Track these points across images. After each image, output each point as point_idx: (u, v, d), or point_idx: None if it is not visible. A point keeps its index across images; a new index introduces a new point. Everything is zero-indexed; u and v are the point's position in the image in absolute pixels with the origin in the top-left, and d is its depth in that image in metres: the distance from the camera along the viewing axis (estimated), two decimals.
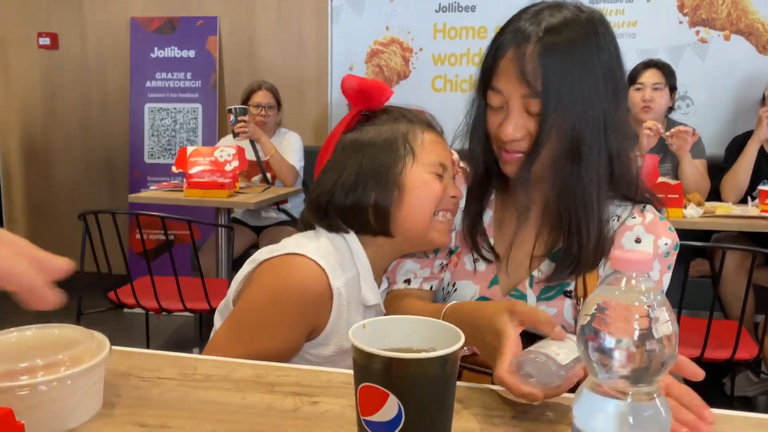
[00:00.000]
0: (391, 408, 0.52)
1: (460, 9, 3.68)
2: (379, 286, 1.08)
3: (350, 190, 1.01)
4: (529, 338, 1.00)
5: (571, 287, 1.02)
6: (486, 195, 1.09)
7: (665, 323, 0.48)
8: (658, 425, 0.49)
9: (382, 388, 0.52)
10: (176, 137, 4.00)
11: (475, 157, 1.04)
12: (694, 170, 2.79)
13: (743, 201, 2.80)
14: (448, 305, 0.93)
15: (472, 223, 1.07)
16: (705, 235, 2.89)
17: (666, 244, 1.01)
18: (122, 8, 4.07)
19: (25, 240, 0.68)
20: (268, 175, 3.33)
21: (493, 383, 0.77)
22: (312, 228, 1.06)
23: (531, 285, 1.04)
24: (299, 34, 3.91)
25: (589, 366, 0.50)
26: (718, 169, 2.95)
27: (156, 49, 4.00)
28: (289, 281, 0.95)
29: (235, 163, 2.86)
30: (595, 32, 0.93)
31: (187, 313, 2.70)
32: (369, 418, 0.53)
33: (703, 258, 2.91)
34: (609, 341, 0.48)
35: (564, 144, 0.94)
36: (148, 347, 2.79)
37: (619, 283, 0.50)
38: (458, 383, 0.69)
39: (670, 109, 3.04)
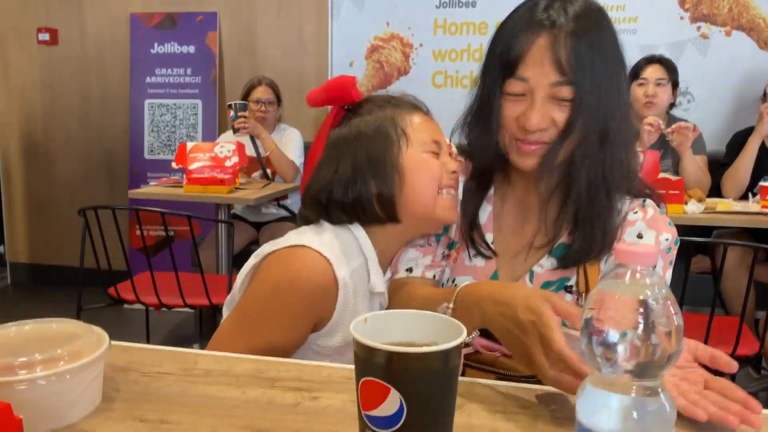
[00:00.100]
0: (392, 402, 0.51)
1: (461, 5, 3.67)
2: (384, 275, 1.08)
3: (349, 184, 1.01)
4: None
5: (572, 282, 1.02)
6: (486, 190, 1.08)
7: (670, 317, 0.48)
8: (662, 420, 0.48)
9: (383, 382, 0.51)
10: (176, 133, 3.99)
11: (480, 151, 1.03)
12: (695, 166, 2.78)
13: (744, 197, 2.79)
14: (461, 285, 0.91)
15: (470, 220, 1.06)
16: (706, 231, 2.88)
17: (667, 239, 1.01)
18: (122, 3, 4.05)
19: None
20: (268, 171, 3.33)
21: (532, 360, 0.75)
22: (315, 222, 1.06)
23: (531, 280, 1.03)
24: (299, 30, 3.89)
25: (592, 360, 0.50)
26: (719, 165, 2.94)
27: (156, 44, 3.99)
28: (293, 273, 0.95)
29: (235, 159, 2.85)
30: (608, 21, 0.95)
31: (187, 309, 2.69)
32: (370, 413, 0.53)
33: (704, 254, 2.90)
34: (613, 335, 0.48)
35: (588, 133, 0.94)
36: (148, 343, 2.79)
37: (623, 277, 0.49)
38: (460, 378, 0.69)
39: (671, 105, 3.03)
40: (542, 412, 0.72)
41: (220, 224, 2.85)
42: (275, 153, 3.21)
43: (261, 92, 3.36)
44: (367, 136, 1.02)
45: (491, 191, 1.09)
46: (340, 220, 1.03)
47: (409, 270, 1.08)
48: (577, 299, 1.01)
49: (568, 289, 1.02)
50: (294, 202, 3.37)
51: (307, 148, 3.44)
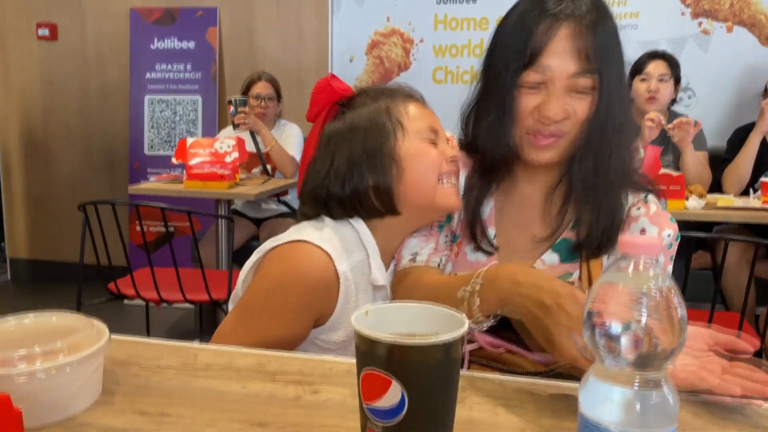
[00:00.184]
0: (394, 394, 0.51)
1: (461, 0, 3.66)
2: (389, 267, 1.08)
3: (345, 178, 1.00)
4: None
5: (575, 277, 1.02)
6: (489, 184, 1.07)
7: (673, 308, 0.47)
8: (665, 413, 0.48)
9: (385, 374, 0.51)
10: (176, 129, 3.98)
11: (491, 145, 1.00)
12: (696, 162, 2.78)
13: (745, 193, 2.79)
14: (485, 268, 0.89)
15: (473, 214, 1.06)
16: (706, 227, 2.88)
17: (669, 235, 1.01)
18: None
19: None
20: (268, 166, 3.32)
21: (551, 340, 0.76)
22: (314, 218, 1.05)
23: None
24: (299, 25, 3.89)
25: (595, 352, 0.50)
26: (719, 161, 2.94)
27: (156, 40, 3.98)
28: (294, 268, 0.95)
29: (235, 155, 2.85)
30: (611, 12, 0.96)
31: (187, 305, 2.69)
32: (372, 405, 0.53)
33: (705, 250, 2.90)
34: (615, 327, 0.48)
35: (601, 125, 0.94)
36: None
37: (626, 268, 0.49)
38: (462, 372, 0.69)
39: (673, 101, 3.03)
40: (544, 405, 0.72)
41: (220, 220, 2.85)
42: (275, 149, 3.21)
43: (261, 88, 3.36)
44: (362, 129, 1.01)
45: (494, 186, 1.08)
46: (339, 214, 1.02)
47: (414, 257, 1.06)
48: None
49: (570, 284, 1.02)
50: (294, 198, 3.37)
51: None
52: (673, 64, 2.92)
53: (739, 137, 2.93)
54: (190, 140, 2.87)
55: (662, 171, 2.49)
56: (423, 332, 0.57)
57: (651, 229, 1.01)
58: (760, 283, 2.66)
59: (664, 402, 0.48)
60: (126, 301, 3.15)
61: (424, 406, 0.52)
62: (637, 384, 0.48)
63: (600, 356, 0.49)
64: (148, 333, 2.87)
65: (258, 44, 3.96)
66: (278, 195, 3.30)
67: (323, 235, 0.98)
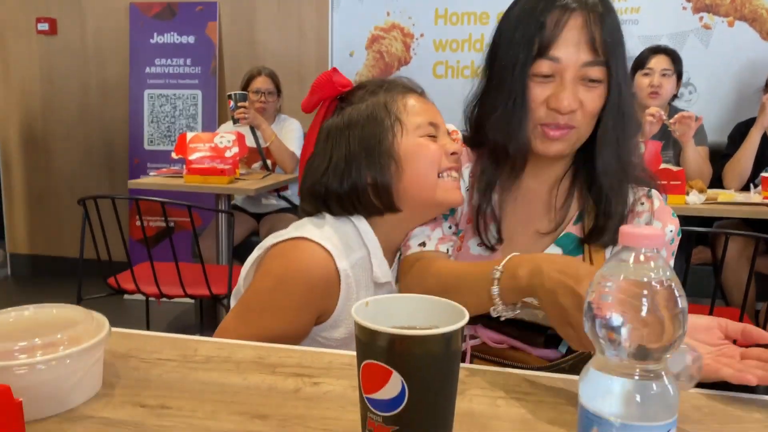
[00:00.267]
0: (394, 385, 0.51)
1: None
2: (391, 265, 1.07)
3: (344, 175, 0.99)
4: (511, 324, 1.00)
5: None
6: (494, 179, 1.04)
7: (674, 299, 0.47)
8: (665, 404, 0.48)
9: (385, 365, 0.51)
10: (176, 123, 3.98)
11: (502, 137, 0.98)
12: (697, 157, 2.77)
13: (745, 188, 2.79)
14: (507, 258, 0.86)
15: (477, 209, 1.04)
16: (707, 222, 2.88)
17: (671, 231, 1.02)
18: None
19: None
20: (268, 161, 3.32)
21: (578, 328, 0.73)
22: (316, 215, 1.05)
23: None
24: (299, 20, 3.88)
25: (595, 343, 0.50)
26: (720, 156, 2.94)
27: (155, 34, 3.97)
28: (295, 265, 0.95)
29: (235, 150, 2.84)
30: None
31: (187, 300, 2.69)
32: (372, 396, 0.53)
33: (705, 245, 2.90)
34: (616, 318, 0.48)
35: (610, 116, 0.95)
36: None
37: (627, 259, 0.49)
38: (462, 365, 0.69)
39: (674, 96, 3.02)
40: (544, 398, 0.72)
41: (220, 214, 2.85)
42: (275, 144, 3.21)
43: (261, 82, 3.35)
44: (360, 125, 1.00)
45: (498, 180, 1.07)
46: (338, 211, 1.01)
47: (422, 244, 1.04)
48: None
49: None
50: (294, 193, 3.37)
51: None
52: (675, 60, 2.92)
53: (739, 132, 2.93)
54: (190, 135, 2.87)
55: (663, 166, 2.49)
56: (423, 324, 0.57)
57: (655, 224, 1.02)
58: (760, 279, 2.66)
59: (665, 393, 0.48)
60: (126, 296, 3.15)
61: (424, 398, 0.52)
62: (637, 375, 0.48)
63: (600, 347, 0.49)
64: (148, 328, 2.87)
65: (258, 39, 3.95)
66: (278, 190, 3.30)
67: (324, 233, 0.97)
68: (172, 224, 3.71)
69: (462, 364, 0.69)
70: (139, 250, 3.49)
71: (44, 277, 4.27)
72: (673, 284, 0.48)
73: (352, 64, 3.80)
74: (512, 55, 0.95)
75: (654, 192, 1.05)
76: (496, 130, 0.98)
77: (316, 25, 3.85)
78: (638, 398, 0.48)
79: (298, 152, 3.31)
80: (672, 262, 1.03)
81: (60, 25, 4.15)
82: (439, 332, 0.52)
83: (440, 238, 1.05)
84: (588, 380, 0.50)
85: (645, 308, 0.47)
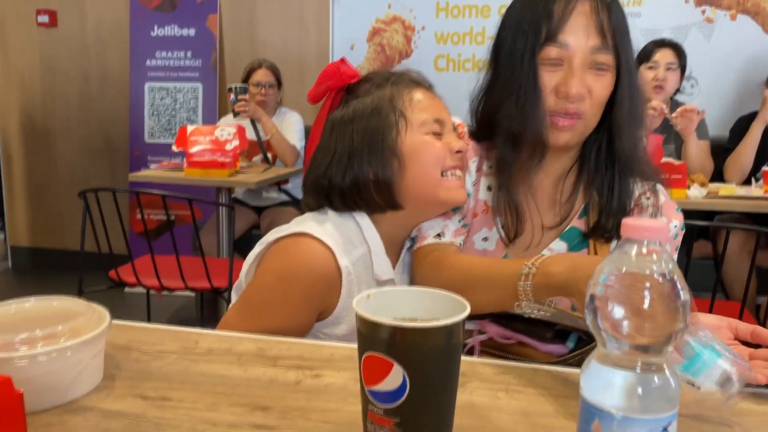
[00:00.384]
0: (395, 377, 0.51)
1: None
2: (397, 260, 1.06)
3: (346, 169, 0.98)
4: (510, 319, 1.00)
5: None
6: (513, 171, 1.02)
7: (676, 292, 0.47)
8: (667, 396, 0.48)
9: (386, 357, 0.51)
10: (176, 116, 3.97)
11: (517, 126, 0.97)
12: (698, 150, 2.77)
13: (747, 182, 2.78)
14: (542, 256, 0.85)
15: (499, 201, 1.03)
16: (708, 216, 2.88)
17: (675, 226, 1.02)
18: None
19: None
20: (269, 154, 3.31)
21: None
22: (318, 209, 1.04)
23: None
24: (300, 12, 3.86)
25: (597, 336, 0.49)
26: (722, 150, 2.93)
27: (156, 27, 3.96)
28: (295, 261, 0.95)
29: (236, 143, 2.84)
30: None
31: (188, 293, 2.70)
32: (373, 388, 0.53)
33: (706, 239, 2.90)
34: (618, 310, 0.47)
35: (622, 105, 0.95)
36: None
37: (630, 252, 0.49)
38: (463, 358, 0.69)
39: (676, 90, 3.02)
40: (545, 390, 0.72)
41: (221, 208, 2.85)
42: (276, 137, 3.20)
43: (261, 75, 3.35)
44: (365, 118, 0.98)
45: (505, 174, 1.06)
46: (340, 207, 1.01)
47: (439, 236, 1.03)
48: None
49: None
50: (295, 186, 3.37)
51: (307, 131, 3.42)
52: (680, 54, 2.91)
53: (741, 126, 2.92)
54: (190, 128, 2.86)
55: (664, 160, 2.49)
56: (425, 316, 0.57)
57: (660, 219, 1.02)
58: (760, 273, 2.66)
59: (666, 386, 0.48)
60: (127, 289, 3.15)
61: (425, 390, 0.52)
62: (638, 368, 0.48)
63: (602, 340, 0.49)
64: (149, 321, 2.87)
65: (258, 31, 3.94)
66: (279, 183, 3.29)
67: (325, 229, 0.97)
68: (172, 217, 3.71)
69: (463, 357, 0.69)
70: (140, 243, 3.49)
71: (45, 270, 4.28)
72: (675, 277, 0.48)
73: (353, 57, 3.79)
74: (520, 43, 0.94)
75: (659, 186, 1.05)
76: (510, 119, 0.97)
77: (316, 17, 3.84)
78: (640, 391, 0.48)
79: (298, 145, 3.31)
80: (675, 257, 1.03)
81: (60, 17, 4.14)
82: (441, 325, 0.51)
83: (455, 230, 1.04)
84: (589, 373, 0.50)
85: (647, 301, 0.47)
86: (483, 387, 0.72)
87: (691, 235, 1.91)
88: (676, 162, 2.48)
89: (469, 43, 3.66)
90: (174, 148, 2.90)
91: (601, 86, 0.93)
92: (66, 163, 4.27)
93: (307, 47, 3.88)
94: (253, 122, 3.24)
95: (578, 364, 0.93)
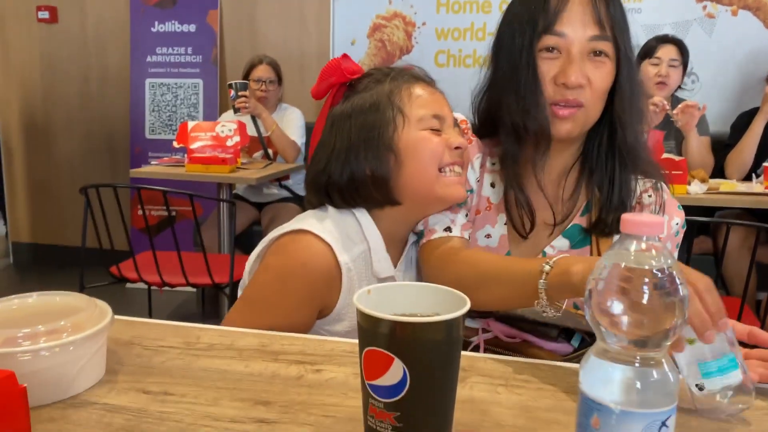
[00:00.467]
0: (395, 372, 0.51)
1: None
2: (399, 256, 1.06)
3: (344, 165, 0.98)
4: (510, 321, 1.00)
5: None
6: (520, 167, 1.02)
7: (675, 287, 0.47)
8: (665, 390, 0.48)
9: (387, 352, 0.51)
10: (177, 112, 3.97)
11: (518, 118, 0.96)
12: (699, 146, 2.77)
13: (747, 178, 2.78)
14: (558, 256, 0.84)
15: (510, 197, 1.03)
16: (708, 212, 2.88)
17: (677, 223, 1.02)
18: None
19: None
20: (270, 150, 3.32)
21: None
22: (319, 206, 1.04)
23: None
24: (301, 8, 3.86)
25: (596, 331, 0.50)
26: (723, 146, 2.93)
27: (156, 23, 3.96)
28: (294, 259, 0.95)
29: (237, 139, 2.84)
30: None
31: (189, 289, 2.70)
32: (374, 382, 0.53)
33: (706, 235, 2.90)
34: (617, 305, 0.48)
35: (623, 95, 0.95)
36: None
37: (629, 247, 0.49)
38: (464, 353, 0.69)
39: (677, 86, 3.01)
40: (544, 385, 0.72)
41: (221, 203, 2.85)
42: (276, 133, 3.20)
43: (262, 71, 3.34)
44: (363, 113, 0.98)
45: (508, 171, 1.04)
46: (339, 203, 1.00)
47: (448, 229, 1.02)
48: None
49: None
50: (295, 183, 3.37)
51: (308, 127, 3.42)
52: (683, 50, 2.91)
53: (742, 122, 2.92)
54: (191, 124, 2.86)
55: (665, 156, 2.49)
56: (425, 311, 0.57)
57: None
58: (761, 269, 2.66)
59: (665, 380, 0.48)
60: (128, 285, 3.16)
61: (426, 384, 0.52)
62: (637, 362, 0.48)
63: (601, 335, 0.49)
64: (150, 316, 2.88)
65: (259, 27, 3.93)
66: (280, 179, 3.29)
67: (325, 226, 0.97)
68: (173, 213, 3.70)
69: (463, 352, 0.70)
70: (141, 239, 3.50)
71: (46, 266, 4.28)
72: (674, 272, 0.48)
73: (353, 53, 3.77)
74: (518, 37, 0.95)
75: (661, 184, 1.05)
76: (511, 113, 0.97)
77: (317, 13, 3.83)
78: (638, 385, 0.48)
79: (299, 141, 3.31)
80: (675, 254, 1.03)
81: (61, 14, 4.14)
82: (441, 319, 0.52)
83: (463, 225, 1.04)
84: (589, 367, 0.51)
85: (646, 296, 0.47)
86: (483, 382, 0.73)
87: (691, 231, 1.91)
88: (677, 158, 2.48)
89: (469, 38, 3.65)
90: (175, 144, 2.90)
91: (601, 75, 0.93)
92: (67, 159, 4.27)
93: (307, 43, 3.87)
94: (253, 118, 3.24)
95: None
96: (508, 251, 1.04)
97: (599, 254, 1.00)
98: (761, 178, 2.55)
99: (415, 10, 3.71)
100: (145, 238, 2.51)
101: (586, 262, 0.78)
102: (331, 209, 1.01)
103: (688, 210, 1.11)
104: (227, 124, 2.86)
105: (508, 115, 0.98)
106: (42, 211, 4.37)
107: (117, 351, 0.78)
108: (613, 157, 0.99)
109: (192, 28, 3.93)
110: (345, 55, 1.05)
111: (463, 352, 0.64)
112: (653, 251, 0.48)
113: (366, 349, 0.53)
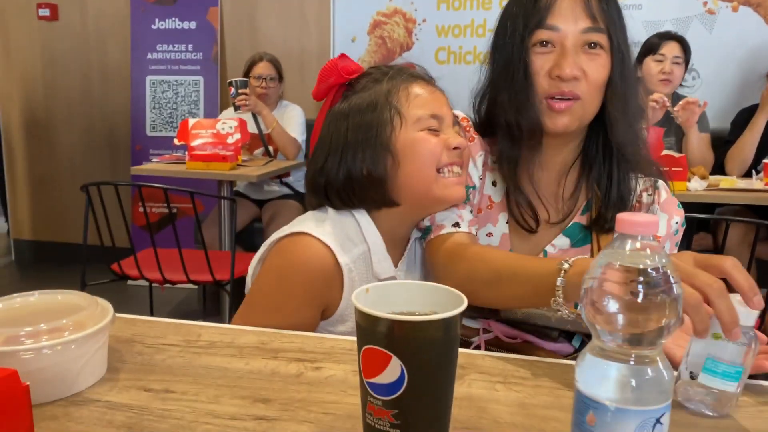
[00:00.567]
0: (393, 370, 0.52)
1: None
2: (400, 256, 1.06)
3: (340, 165, 0.97)
4: (514, 326, 1.00)
5: None
6: (517, 164, 1.02)
7: (669, 286, 0.48)
8: (660, 388, 0.49)
9: (384, 350, 0.52)
10: (178, 110, 3.97)
11: (512, 115, 0.97)
12: (700, 143, 2.77)
13: (747, 174, 2.78)
14: (577, 257, 0.82)
15: (511, 194, 1.02)
16: (708, 208, 2.88)
17: (677, 222, 1.03)
18: None
19: None
20: (270, 148, 3.32)
21: None
22: (319, 207, 1.04)
23: None
24: (301, 5, 3.85)
25: (591, 329, 0.50)
26: (723, 143, 2.93)
27: (157, 20, 3.96)
28: (294, 261, 0.95)
29: (237, 136, 2.85)
30: None
31: (190, 286, 2.71)
32: (372, 380, 0.53)
33: (706, 232, 2.91)
34: (612, 304, 0.48)
35: (618, 89, 0.95)
36: None
37: (624, 246, 0.49)
38: (462, 350, 0.69)
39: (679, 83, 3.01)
40: (542, 382, 0.73)
41: (222, 201, 2.86)
42: (277, 130, 3.20)
43: (262, 68, 3.34)
44: (360, 114, 0.97)
45: (510, 169, 1.04)
46: (338, 204, 1.00)
47: (457, 225, 1.01)
48: None
49: None
50: (296, 180, 3.37)
51: (309, 124, 3.42)
52: (685, 48, 2.91)
53: (742, 118, 2.92)
54: (192, 121, 2.87)
55: (664, 152, 2.49)
56: (423, 310, 0.58)
57: (661, 216, 1.02)
58: (760, 265, 2.66)
59: (659, 378, 0.49)
60: (129, 282, 3.16)
61: (423, 382, 0.53)
62: (632, 360, 0.49)
63: (596, 333, 0.50)
64: (151, 313, 2.89)
65: (259, 24, 3.93)
66: (280, 177, 3.30)
67: (324, 227, 0.97)
68: (174, 210, 3.71)
69: (462, 350, 0.70)
70: (142, 236, 3.51)
71: (48, 263, 4.29)
72: (668, 271, 0.48)
73: (354, 50, 3.79)
74: (512, 33, 0.95)
75: (661, 183, 1.05)
76: (506, 109, 0.97)
77: (317, 10, 3.83)
78: (633, 383, 0.49)
79: (299, 138, 3.31)
80: (675, 252, 1.04)
81: (61, 11, 4.14)
82: (438, 318, 0.52)
83: (470, 221, 1.03)
84: (584, 365, 0.51)
85: (640, 295, 0.47)
86: (481, 379, 0.73)
87: (691, 228, 1.91)
88: (677, 154, 2.48)
89: (470, 35, 3.65)
90: (176, 142, 2.91)
91: (596, 67, 0.93)
92: (68, 156, 4.28)
93: (307, 40, 3.87)
94: (254, 115, 3.24)
95: None
96: (509, 250, 1.05)
97: (599, 248, 1.01)
98: (761, 174, 2.56)
99: (415, 7, 3.71)
100: (146, 235, 2.52)
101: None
102: (330, 210, 1.00)
103: (688, 207, 1.11)
104: (228, 122, 2.87)
105: (503, 113, 0.98)
106: (43, 208, 4.38)
107: (118, 349, 0.79)
108: (611, 153, 0.99)
109: (192, 25, 3.93)
110: (343, 55, 1.04)
111: (461, 350, 0.64)
112: (648, 250, 0.49)
113: (364, 348, 0.54)
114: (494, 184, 1.07)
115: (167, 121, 3.99)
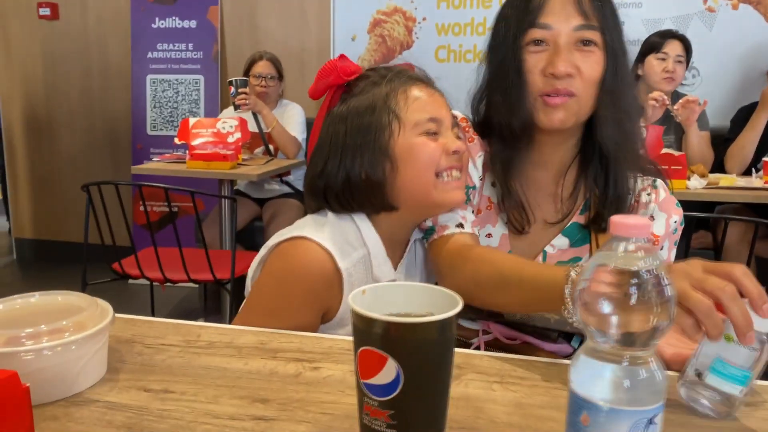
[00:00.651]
0: (389, 371, 0.52)
1: None
2: (400, 259, 1.06)
3: (339, 169, 0.97)
4: (514, 327, 1.01)
5: (584, 260, 1.02)
6: (510, 165, 1.02)
7: (662, 287, 0.48)
8: (653, 389, 0.49)
9: (380, 351, 0.52)
10: (178, 109, 3.98)
11: (506, 114, 0.97)
12: (700, 141, 2.77)
13: (747, 173, 2.78)
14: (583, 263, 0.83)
15: (503, 195, 1.03)
16: (708, 207, 2.88)
17: (675, 221, 1.03)
18: None
19: None
20: (271, 146, 3.32)
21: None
22: (318, 211, 1.04)
23: (544, 259, 1.04)
24: (301, 4, 3.86)
25: (585, 330, 0.51)
26: (722, 141, 2.93)
27: (157, 19, 3.96)
28: (293, 265, 0.95)
29: (238, 135, 2.85)
30: None
31: (191, 285, 2.71)
32: (368, 381, 0.54)
33: (706, 230, 2.91)
34: (605, 306, 0.49)
35: (613, 86, 0.95)
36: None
37: (617, 248, 0.50)
38: (458, 351, 0.70)
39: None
40: (538, 382, 0.73)
41: (223, 200, 2.86)
42: (277, 129, 3.21)
43: (262, 67, 3.35)
44: (358, 118, 0.96)
45: (509, 170, 1.04)
46: (337, 208, 1.00)
47: (461, 226, 1.01)
48: None
49: None
50: (296, 178, 3.38)
51: (309, 123, 3.43)
52: (687, 46, 2.90)
53: (742, 116, 2.92)
54: (192, 120, 2.87)
55: (664, 150, 2.49)
56: (419, 311, 0.58)
57: (660, 216, 1.02)
58: (760, 263, 2.67)
59: (652, 378, 0.49)
60: (130, 281, 3.18)
61: (419, 383, 0.53)
62: (625, 361, 0.49)
63: (590, 334, 0.50)
64: (152, 312, 2.90)
65: (259, 23, 3.93)
66: (281, 175, 3.30)
67: (323, 231, 0.96)
68: (175, 209, 3.72)
69: (459, 350, 0.71)
70: (143, 235, 3.51)
71: (49, 262, 4.30)
72: (661, 273, 0.49)
73: (354, 49, 3.79)
74: (505, 33, 0.96)
75: (659, 182, 1.05)
76: (498, 108, 0.98)
77: (317, 8, 3.83)
78: (627, 383, 0.49)
79: (300, 137, 3.32)
80: (674, 251, 1.04)
81: (62, 10, 4.14)
82: (434, 319, 0.53)
83: (473, 222, 1.03)
84: (578, 366, 0.52)
85: (633, 296, 0.48)
86: (478, 379, 0.74)
87: (690, 226, 1.92)
88: (676, 153, 2.48)
89: (470, 33, 3.65)
90: (176, 141, 2.91)
91: (590, 64, 0.93)
92: (69, 155, 4.28)
93: (307, 39, 3.87)
94: (254, 114, 3.24)
95: None
96: (509, 251, 1.05)
97: (598, 246, 1.01)
98: (761, 172, 2.56)
99: (415, 6, 3.71)
100: (147, 234, 2.53)
101: None
102: (330, 214, 1.00)
103: (688, 205, 1.11)
104: (228, 121, 2.87)
105: (496, 114, 0.99)
106: (44, 208, 4.39)
107: (118, 349, 0.79)
108: (607, 152, 1.00)
109: (192, 24, 3.94)
110: (342, 56, 1.04)
111: (458, 350, 0.65)
112: (641, 252, 0.49)
113: (360, 349, 0.54)
114: (494, 184, 1.06)
115: (168, 120, 3.99)
